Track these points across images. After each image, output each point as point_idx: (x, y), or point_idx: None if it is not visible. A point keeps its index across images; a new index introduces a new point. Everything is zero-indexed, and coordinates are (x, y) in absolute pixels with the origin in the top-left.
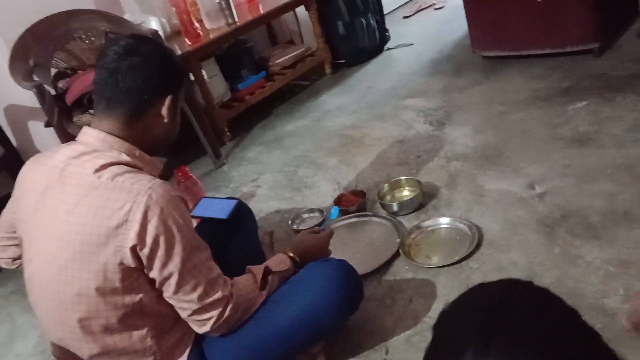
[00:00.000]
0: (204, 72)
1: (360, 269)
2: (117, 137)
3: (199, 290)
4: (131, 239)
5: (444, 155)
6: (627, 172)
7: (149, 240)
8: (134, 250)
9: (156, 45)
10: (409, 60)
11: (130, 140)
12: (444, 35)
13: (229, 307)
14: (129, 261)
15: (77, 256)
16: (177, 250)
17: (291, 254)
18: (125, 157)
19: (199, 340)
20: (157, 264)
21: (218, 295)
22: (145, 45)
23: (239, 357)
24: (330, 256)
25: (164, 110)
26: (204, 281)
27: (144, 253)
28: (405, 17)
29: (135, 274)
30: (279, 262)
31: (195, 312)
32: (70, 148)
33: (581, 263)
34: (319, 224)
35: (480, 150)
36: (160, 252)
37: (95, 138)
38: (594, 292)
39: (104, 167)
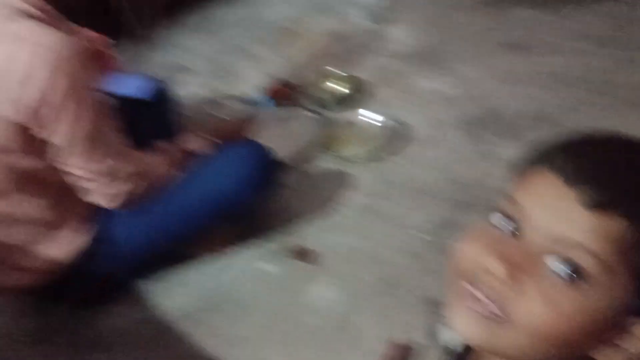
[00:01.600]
0: None
1: (284, 159)
2: None
3: (108, 161)
4: (30, 95)
5: (382, 53)
6: (558, 80)
7: (52, 98)
8: (36, 110)
9: None
10: None
11: None
12: None
13: (139, 183)
14: (29, 120)
15: None
16: (83, 113)
17: (210, 137)
18: (33, 10)
19: (103, 216)
20: (63, 127)
21: (129, 169)
22: None
23: (145, 234)
24: None
25: None
26: (113, 152)
27: (47, 114)
28: None
29: (37, 137)
30: (194, 141)
31: (103, 184)
32: None
33: (497, 160)
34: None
35: (419, 50)
36: (65, 113)
37: None
38: (501, 186)
39: (11, 17)
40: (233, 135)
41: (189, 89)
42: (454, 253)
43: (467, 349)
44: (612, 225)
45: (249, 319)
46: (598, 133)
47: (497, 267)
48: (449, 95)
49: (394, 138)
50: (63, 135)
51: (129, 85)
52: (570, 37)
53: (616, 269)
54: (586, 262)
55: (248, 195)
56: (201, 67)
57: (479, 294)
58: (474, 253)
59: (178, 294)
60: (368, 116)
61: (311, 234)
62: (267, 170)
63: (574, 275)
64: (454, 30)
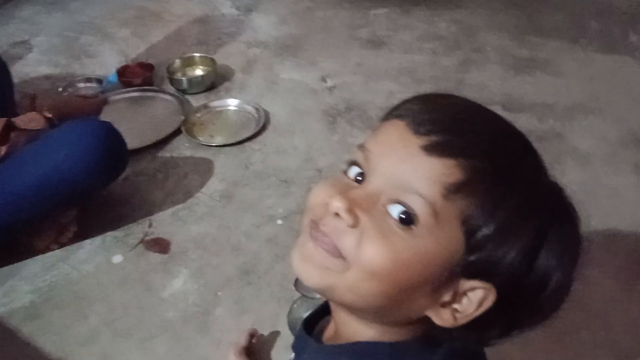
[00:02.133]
0: None
1: (135, 143)
2: None
3: None
4: None
5: (245, 41)
6: (409, 75)
7: None
8: None
9: None
10: None
11: None
12: None
13: None
14: None
15: None
16: None
17: (48, 114)
18: None
19: None
20: None
21: None
22: None
23: None
24: None
25: None
26: None
27: None
28: None
29: None
30: (29, 119)
31: None
32: None
33: (351, 148)
34: (100, 84)
35: (282, 41)
36: None
37: None
38: None
39: None
40: (77, 114)
41: (35, 66)
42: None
43: (317, 316)
44: (445, 169)
45: (95, 315)
46: (443, 92)
47: (336, 204)
48: (309, 86)
49: (254, 125)
50: None
51: None
52: (422, 37)
53: (444, 215)
54: (418, 207)
55: (88, 178)
56: (50, 45)
57: (320, 231)
58: (320, 194)
59: (13, 290)
60: (228, 102)
61: (164, 222)
62: (111, 152)
63: (406, 219)
64: (316, 24)
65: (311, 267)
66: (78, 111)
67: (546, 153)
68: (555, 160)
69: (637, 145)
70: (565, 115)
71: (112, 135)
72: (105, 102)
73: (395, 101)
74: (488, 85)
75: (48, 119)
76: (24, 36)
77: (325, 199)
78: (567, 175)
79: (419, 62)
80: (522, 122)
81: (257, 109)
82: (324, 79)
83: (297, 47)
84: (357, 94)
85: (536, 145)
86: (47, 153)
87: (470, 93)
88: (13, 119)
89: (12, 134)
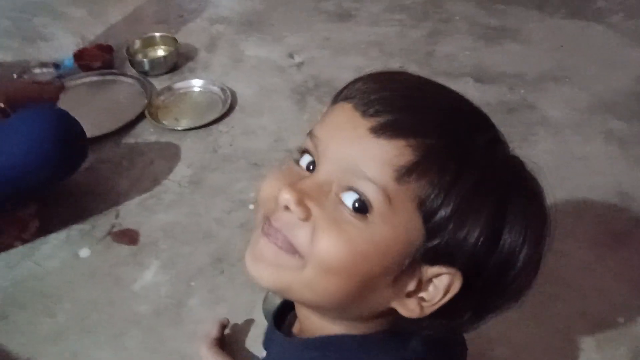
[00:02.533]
0: None
1: (96, 130)
2: None
3: None
4: None
5: (207, 17)
6: (377, 48)
7: None
8: None
9: None
10: None
11: None
12: None
13: None
14: None
15: None
16: None
17: (0, 105)
18: None
19: None
20: None
21: None
22: None
23: None
24: None
25: None
26: None
27: None
28: None
29: None
30: None
31: None
32: None
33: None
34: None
35: (246, 16)
36: None
37: None
38: None
39: None
40: (32, 101)
41: None
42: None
43: (285, 309)
44: (395, 151)
45: (62, 312)
46: (391, 69)
47: (285, 195)
48: (276, 63)
49: (220, 106)
50: None
51: None
52: (389, 9)
53: (399, 199)
54: (371, 193)
55: (45, 170)
56: (0, 26)
57: (272, 227)
58: (270, 187)
59: None
60: (192, 83)
61: (131, 212)
62: (67, 141)
63: (360, 207)
64: None
65: (264, 266)
66: (33, 99)
67: (518, 124)
68: (527, 131)
69: (606, 112)
70: (536, 84)
71: (67, 123)
72: (62, 88)
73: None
74: (458, 56)
75: (1, 109)
76: None
77: (274, 192)
78: (539, 145)
79: (387, 34)
80: (493, 93)
81: (222, 89)
82: (291, 55)
83: (261, 22)
84: (325, 69)
85: (507, 116)
86: (5, 144)
87: (440, 65)
88: None
89: None
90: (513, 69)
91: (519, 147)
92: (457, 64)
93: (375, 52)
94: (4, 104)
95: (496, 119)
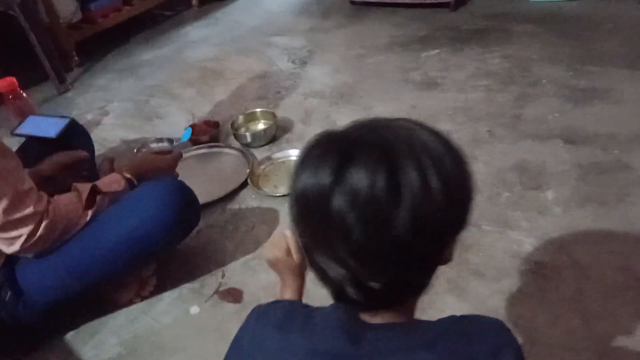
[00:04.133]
0: None
1: (206, 197)
2: None
3: (4, 203)
4: None
5: (302, 92)
6: (464, 114)
7: None
8: None
9: None
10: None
11: None
12: None
13: (42, 225)
14: None
15: None
16: None
17: (127, 175)
18: None
19: (10, 260)
20: None
21: (29, 210)
22: None
23: (57, 279)
24: None
25: None
26: (11, 193)
27: None
28: None
29: None
30: (110, 182)
31: (1, 228)
32: None
33: None
34: (171, 144)
35: (337, 89)
36: None
37: None
38: None
39: None
40: (154, 173)
41: (111, 130)
42: None
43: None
44: None
45: None
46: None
47: None
48: None
49: None
50: None
51: (37, 126)
52: (475, 75)
53: None
54: None
55: (166, 234)
56: (124, 109)
57: None
58: None
59: (97, 341)
60: (290, 153)
61: (236, 272)
62: (185, 209)
63: None
64: (368, 70)
65: None
66: (154, 169)
67: (613, 185)
68: (622, 192)
69: None
70: (630, 144)
71: (185, 194)
72: (179, 156)
73: (456, 142)
74: (546, 118)
75: (128, 180)
76: (100, 103)
77: None
78: (636, 206)
79: (474, 99)
80: (584, 154)
81: None
82: None
83: (351, 93)
84: None
85: (601, 177)
86: (129, 213)
87: (528, 128)
88: (96, 183)
89: (97, 197)
90: (605, 130)
91: (614, 209)
92: (546, 126)
93: (462, 117)
94: (131, 175)
95: (589, 180)
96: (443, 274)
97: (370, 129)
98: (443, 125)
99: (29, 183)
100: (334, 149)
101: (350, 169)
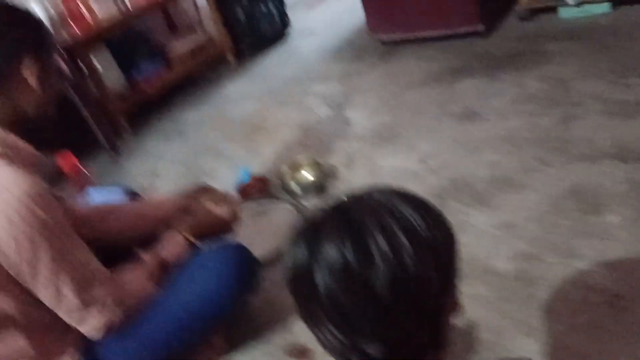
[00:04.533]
0: (96, 62)
1: (264, 254)
2: None
3: (77, 289)
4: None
5: (343, 137)
6: (509, 142)
7: (8, 238)
8: (6, 254)
9: (5, 7)
10: (311, 48)
11: None
12: (345, 22)
13: (114, 307)
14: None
15: None
16: (44, 248)
17: (188, 237)
18: None
19: (88, 340)
20: (24, 265)
21: (101, 293)
22: None
23: (135, 355)
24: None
25: (28, 75)
26: (82, 279)
27: (6, 253)
28: (307, 6)
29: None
30: (174, 246)
31: (76, 313)
32: None
33: (470, 229)
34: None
35: (377, 130)
36: (25, 252)
37: None
38: (484, 256)
39: None
40: (213, 232)
41: (164, 192)
42: None
43: None
44: None
45: None
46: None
47: None
48: (412, 171)
49: None
50: (32, 271)
51: (97, 197)
52: (515, 101)
53: None
54: None
55: (232, 299)
56: (174, 171)
57: None
58: None
59: None
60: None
61: (303, 328)
62: (248, 272)
63: None
64: (406, 108)
65: None
66: (216, 225)
67: None
68: None
69: None
70: None
71: (246, 257)
72: (238, 204)
73: (501, 171)
74: (595, 138)
75: (191, 243)
76: (151, 167)
77: None
78: None
79: (517, 126)
80: None
81: None
82: (424, 161)
83: (392, 134)
84: (460, 169)
85: None
86: (194, 281)
87: (578, 149)
88: (161, 252)
89: (164, 267)
90: None
91: None
92: (596, 146)
93: (508, 146)
94: (191, 236)
95: None
96: (505, 313)
97: (337, 206)
98: (489, 157)
99: (97, 265)
100: (305, 231)
101: (321, 244)
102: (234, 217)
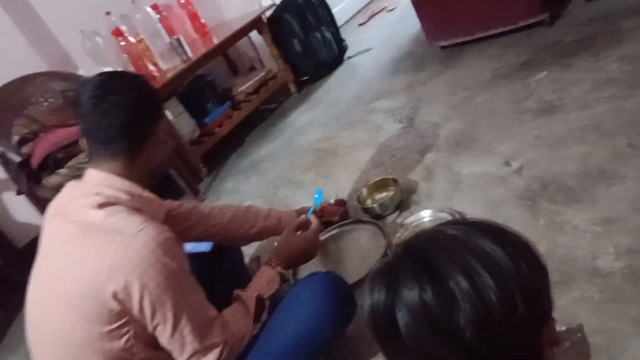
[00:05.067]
0: (168, 113)
1: (351, 278)
2: (118, 175)
3: (196, 334)
4: (115, 283)
5: (417, 150)
6: (595, 131)
7: (135, 286)
8: (116, 295)
9: (127, 75)
10: (370, 65)
11: (132, 177)
12: (400, 34)
13: (226, 349)
14: (113, 306)
15: (62, 298)
16: (169, 294)
17: (279, 269)
18: (124, 197)
19: None
20: (148, 310)
21: (216, 338)
22: (118, 78)
23: None
24: (318, 269)
25: (163, 134)
26: (201, 325)
27: (132, 299)
28: (360, 25)
29: (122, 319)
30: (267, 281)
31: (194, 356)
32: (71, 189)
33: (568, 229)
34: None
35: (452, 138)
36: (150, 298)
37: (96, 178)
38: (585, 256)
39: (101, 206)
40: (302, 257)
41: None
42: None
43: None
44: None
45: None
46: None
47: None
48: (496, 175)
49: None
50: (156, 316)
51: (191, 243)
52: (595, 87)
53: None
54: None
55: (330, 330)
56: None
57: None
58: None
59: None
60: (422, 215)
61: None
62: (344, 300)
63: None
64: (479, 111)
65: None
66: (301, 251)
67: None
68: None
69: None
70: None
71: (340, 286)
72: (318, 228)
73: (592, 163)
74: None
75: (281, 275)
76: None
77: None
78: None
79: (602, 113)
80: None
81: (451, 214)
82: (507, 163)
83: (468, 139)
84: (547, 167)
85: None
86: (291, 315)
87: None
88: (256, 287)
89: (262, 305)
90: None
91: None
92: None
93: (594, 135)
94: (282, 268)
95: None
96: (616, 314)
97: (413, 245)
98: (576, 149)
99: (213, 311)
100: (383, 274)
101: (400, 287)
102: (316, 232)
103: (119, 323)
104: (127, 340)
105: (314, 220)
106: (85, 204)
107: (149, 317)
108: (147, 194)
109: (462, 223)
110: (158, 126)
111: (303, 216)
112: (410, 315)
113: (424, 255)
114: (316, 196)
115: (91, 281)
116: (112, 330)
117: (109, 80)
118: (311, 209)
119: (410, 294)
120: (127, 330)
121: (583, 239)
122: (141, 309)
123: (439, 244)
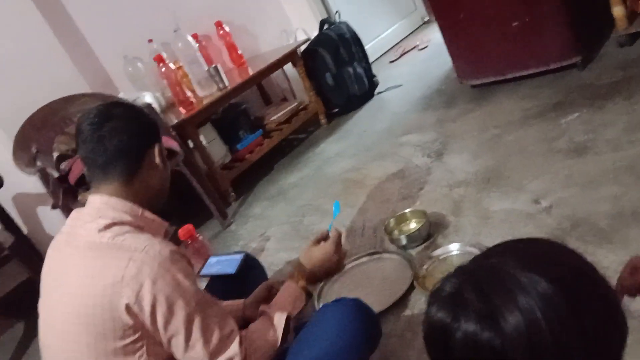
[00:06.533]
0: (202, 138)
1: (377, 307)
2: (118, 198)
3: (211, 347)
4: (127, 296)
5: (445, 184)
6: (629, 173)
7: (147, 298)
8: (129, 308)
9: (123, 104)
10: (400, 100)
11: (131, 199)
12: (431, 72)
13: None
14: (126, 320)
15: (76, 317)
16: (180, 306)
17: (302, 283)
18: (127, 217)
19: None
20: (160, 322)
21: (234, 350)
22: (115, 107)
23: None
24: (343, 295)
25: (157, 159)
26: (216, 338)
27: (144, 312)
28: (391, 62)
29: (136, 334)
30: (293, 299)
31: None
32: (75, 215)
33: (598, 269)
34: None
35: (481, 174)
36: (161, 310)
37: (99, 202)
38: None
39: (107, 227)
40: (326, 272)
41: (275, 254)
42: None
43: None
44: None
45: None
46: None
47: None
48: (525, 212)
49: None
50: (168, 330)
51: (217, 265)
52: (628, 129)
53: None
54: None
55: (360, 355)
56: (281, 232)
57: None
58: None
59: None
60: (450, 248)
61: None
62: (369, 327)
63: None
64: (509, 149)
65: None
66: (324, 263)
67: None
68: None
69: None
70: None
71: (365, 312)
72: (339, 237)
73: (625, 204)
74: None
75: (307, 291)
76: (260, 230)
77: None
78: None
79: (635, 156)
80: None
81: (479, 248)
82: (537, 201)
83: (497, 176)
84: (578, 207)
85: None
86: (316, 340)
87: None
88: (284, 304)
89: (289, 324)
90: None
91: None
92: None
93: (628, 177)
94: (307, 284)
95: None
96: None
97: (472, 275)
98: (607, 190)
99: (230, 325)
100: (446, 297)
101: (459, 315)
102: (337, 243)
103: (132, 338)
104: (140, 356)
105: (333, 233)
106: (90, 228)
107: (162, 329)
108: (147, 214)
109: (524, 259)
110: (152, 150)
111: (323, 230)
112: (465, 344)
113: (485, 288)
114: (335, 208)
115: (105, 296)
116: (126, 345)
117: (107, 109)
118: (331, 222)
119: (469, 326)
120: (140, 346)
121: (613, 280)
122: (154, 321)
123: (500, 278)
